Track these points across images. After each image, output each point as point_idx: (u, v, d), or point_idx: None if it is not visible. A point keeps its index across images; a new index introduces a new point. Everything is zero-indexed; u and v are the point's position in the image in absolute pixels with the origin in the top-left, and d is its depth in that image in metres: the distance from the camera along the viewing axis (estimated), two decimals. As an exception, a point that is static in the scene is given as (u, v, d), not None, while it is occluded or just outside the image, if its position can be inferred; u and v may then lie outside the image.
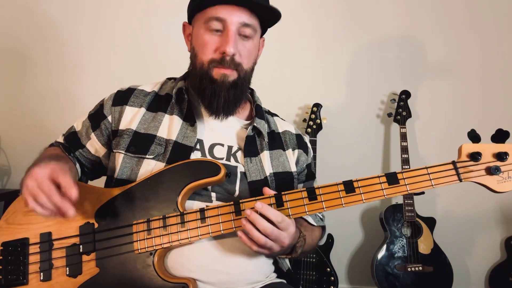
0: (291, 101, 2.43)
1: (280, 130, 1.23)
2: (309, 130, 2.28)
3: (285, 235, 0.91)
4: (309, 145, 1.27)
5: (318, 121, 2.29)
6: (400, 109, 2.26)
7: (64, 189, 0.85)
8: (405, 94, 2.28)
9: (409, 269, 2.08)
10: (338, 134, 2.40)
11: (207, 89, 1.05)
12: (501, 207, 2.36)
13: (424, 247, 2.12)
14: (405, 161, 2.15)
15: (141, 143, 1.06)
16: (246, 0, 1.00)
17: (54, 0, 2.42)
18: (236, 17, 1.01)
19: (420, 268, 2.08)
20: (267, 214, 0.89)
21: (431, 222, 2.17)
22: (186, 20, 1.16)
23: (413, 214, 2.14)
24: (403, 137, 2.20)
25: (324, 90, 2.42)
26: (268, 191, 0.96)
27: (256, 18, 1.06)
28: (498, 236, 2.35)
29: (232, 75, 1.04)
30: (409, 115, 2.26)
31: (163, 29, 2.40)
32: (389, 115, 2.30)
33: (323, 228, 1.22)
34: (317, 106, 2.32)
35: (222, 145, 1.10)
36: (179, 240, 0.94)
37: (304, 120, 2.33)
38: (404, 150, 2.17)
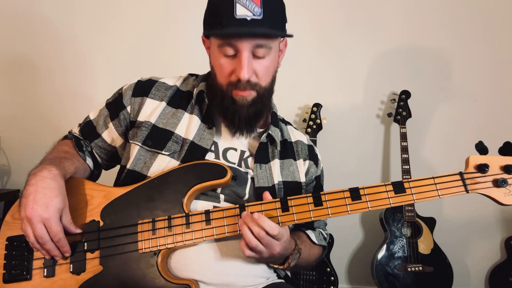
0: (291, 101, 2.43)
1: (293, 140, 1.22)
2: (309, 130, 2.28)
3: (277, 243, 0.91)
4: (319, 157, 1.26)
5: (318, 121, 2.30)
6: (400, 109, 2.26)
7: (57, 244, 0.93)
8: (405, 94, 2.29)
9: (409, 269, 2.08)
10: (338, 134, 2.41)
11: (229, 109, 1.04)
12: (501, 207, 2.35)
13: (424, 247, 2.13)
14: (405, 161, 2.15)
15: (158, 137, 1.07)
16: (253, 33, 0.97)
17: (52, 2, 2.42)
18: (247, 42, 0.99)
19: (420, 268, 2.09)
20: (263, 225, 0.88)
21: (431, 222, 2.17)
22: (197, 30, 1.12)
23: (413, 214, 2.14)
24: (403, 137, 2.21)
25: (324, 90, 2.42)
26: (268, 196, 0.97)
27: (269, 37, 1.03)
28: (498, 236, 2.36)
29: (250, 95, 1.03)
30: (409, 115, 2.26)
31: (170, 27, 2.41)
32: (389, 115, 2.30)
33: (323, 248, 1.21)
34: (317, 106, 2.32)
35: (235, 149, 1.11)
36: (183, 241, 0.94)
37: (304, 120, 2.33)
38: (404, 150, 2.18)
